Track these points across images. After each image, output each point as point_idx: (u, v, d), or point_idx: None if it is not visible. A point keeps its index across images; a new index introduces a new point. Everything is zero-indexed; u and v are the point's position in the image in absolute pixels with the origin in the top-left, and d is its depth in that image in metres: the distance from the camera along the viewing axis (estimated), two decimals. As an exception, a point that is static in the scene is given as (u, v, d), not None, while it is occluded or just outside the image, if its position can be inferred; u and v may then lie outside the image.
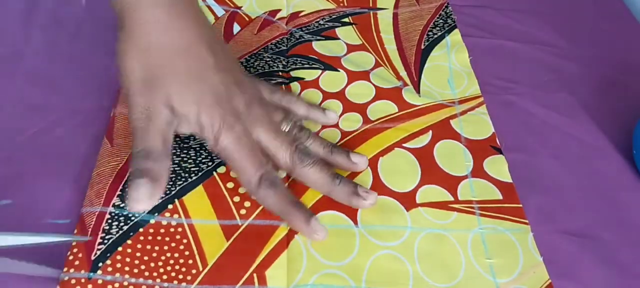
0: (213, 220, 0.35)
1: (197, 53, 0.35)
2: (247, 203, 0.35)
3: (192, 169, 0.37)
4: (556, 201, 0.38)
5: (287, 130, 0.37)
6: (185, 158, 0.38)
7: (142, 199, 0.32)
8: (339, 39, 0.48)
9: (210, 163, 0.38)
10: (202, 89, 0.34)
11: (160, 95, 0.34)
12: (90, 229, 0.33)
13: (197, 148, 0.38)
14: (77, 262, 0.32)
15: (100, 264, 0.32)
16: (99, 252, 0.32)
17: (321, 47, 0.47)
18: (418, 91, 0.44)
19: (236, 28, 0.49)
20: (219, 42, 0.37)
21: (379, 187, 0.37)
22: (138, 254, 0.32)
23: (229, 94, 0.35)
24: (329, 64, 0.46)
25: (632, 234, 0.36)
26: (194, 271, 0.32)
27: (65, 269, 0.31)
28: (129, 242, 0.33)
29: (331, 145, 0.38)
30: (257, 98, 0.37)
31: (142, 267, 0.32)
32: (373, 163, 0.39)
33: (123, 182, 0.36)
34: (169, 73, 0.34)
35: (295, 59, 0.46)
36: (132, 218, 0.34)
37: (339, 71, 0.45)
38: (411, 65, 0.47)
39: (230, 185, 0.36)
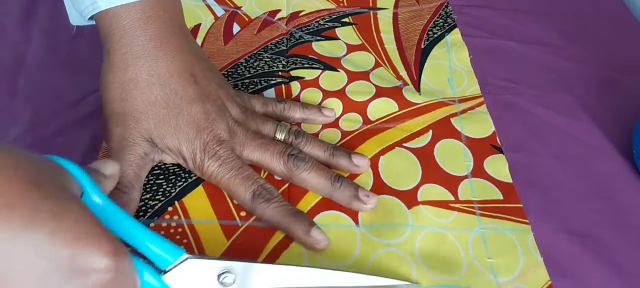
0: (213, 220, 0.34)
1: (178, 85, 0.35)
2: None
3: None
4: (556, 201, 0.38)
5: (282, 139, 0.37)
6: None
7: None
8: (338, 39, 0.48)
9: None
10: (180, 122, 0.34)
11: (139, 129, 0.34)
12: None
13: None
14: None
15: None
16: None
17: (320, 48, 0.47)
18: (418, 90, 0.44)
19: (236, 28, 0.48)
20: (204, 67, 0.36)
21: (379, 185, 0.37)
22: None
23: (210, 123, 0.35)
24: (329, 64, 0.46)
25: (632, 234, 0.36)
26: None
27: None
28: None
29: (332, 147, 0.38)
30: (244, 117, 0.37)
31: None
32: (374, 162, 0.39)
33: None
34: (149, 108, 0.34)
35: (295, 58, 0.46)
36: None
37: (338, 71, 0.45)
38: (411, 65, 0.47)
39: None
